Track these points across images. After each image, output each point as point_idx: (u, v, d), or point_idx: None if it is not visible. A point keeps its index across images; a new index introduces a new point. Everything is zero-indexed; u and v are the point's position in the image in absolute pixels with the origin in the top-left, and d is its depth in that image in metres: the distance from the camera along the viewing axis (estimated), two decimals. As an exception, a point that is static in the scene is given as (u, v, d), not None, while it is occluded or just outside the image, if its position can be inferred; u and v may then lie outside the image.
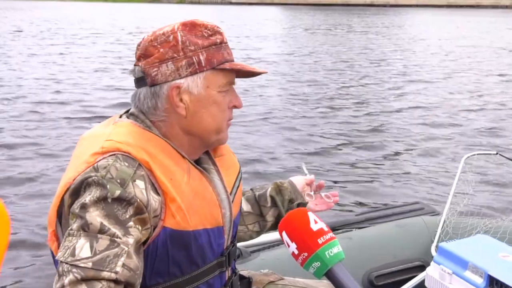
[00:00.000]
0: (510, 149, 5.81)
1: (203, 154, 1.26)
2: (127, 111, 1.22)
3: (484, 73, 11.98)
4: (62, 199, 1.07)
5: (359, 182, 4.89)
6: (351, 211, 4.04)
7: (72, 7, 67.00)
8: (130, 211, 1.02)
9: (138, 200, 1.03)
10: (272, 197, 1.49)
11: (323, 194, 1.56)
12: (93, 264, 0.95)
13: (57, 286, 0.94)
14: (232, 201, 1.25)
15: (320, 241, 0.98)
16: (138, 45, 1.18)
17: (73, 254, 0.96)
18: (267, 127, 6.86)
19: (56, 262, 1.05)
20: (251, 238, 1.51)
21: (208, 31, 1.16)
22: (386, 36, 23.67)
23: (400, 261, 2.09)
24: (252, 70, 1.20)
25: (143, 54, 1.15)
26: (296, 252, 1.00)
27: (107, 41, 18.66)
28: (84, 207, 1.00)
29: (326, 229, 1.01)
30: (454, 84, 10.49)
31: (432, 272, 1.70)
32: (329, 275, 0.98)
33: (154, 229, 1.08)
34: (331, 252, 0.98)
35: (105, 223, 0.99)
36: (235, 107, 1.22)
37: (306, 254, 0.98)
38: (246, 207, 1.48)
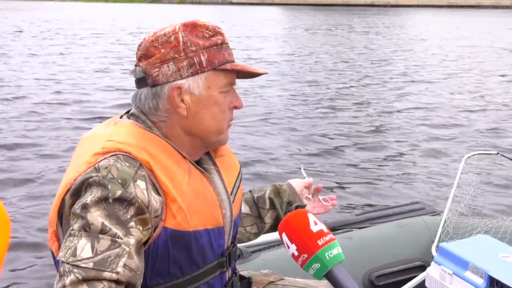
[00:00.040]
0: (511, 149, 5.80)
1: (203, 155, 1.26)
2: (128, 112, 1.22)
3: (485, 74, 11.97)
4: (63, 200, 1.07)
5: (359, 182, 4.89)
6: (351, 211, 4.04)
7: (72, 7, 66.94)
8: (131, 211, 1.02)
9: (139, 200, 1.03)
10: (270, 199, 1.49)
11: (321, 198, 1.56)
12: (94, 265, 0.95)
13: (58, 286, 0.94)
14: (233, 202, 1.25)
15: (320, 242, 0.98)
16: (139, 45, 1.18)
17: (74, 254, 0.96)
18: (267, 127, 6.85)
19: (56, 263, 1.05)
20: (249, 240, 1.51)
21: (209, 32, 1.16)
22: (387, 36, 23.66)
23: (400, 261, 2.10)
24: (252, 71, 1.20)
25: (144, 54, 1.16)
26: (296, 253, 1.00)
27: (108, 42, 18.62)
28: (85, 207, 1.00)
29: (326, 230, 1.01)
30: (455, 84, 10.48)
31: (432, 272, 1.70)
32: (329, 276, 0.98)
33: (155, 229, 1.08)
34: (331, 254, 0.98)
35: (106, 223, 0.99)
36: (235, 107, 1.22)
37: (306, 255, 0.98)
38: (244, 208, 1.48)
